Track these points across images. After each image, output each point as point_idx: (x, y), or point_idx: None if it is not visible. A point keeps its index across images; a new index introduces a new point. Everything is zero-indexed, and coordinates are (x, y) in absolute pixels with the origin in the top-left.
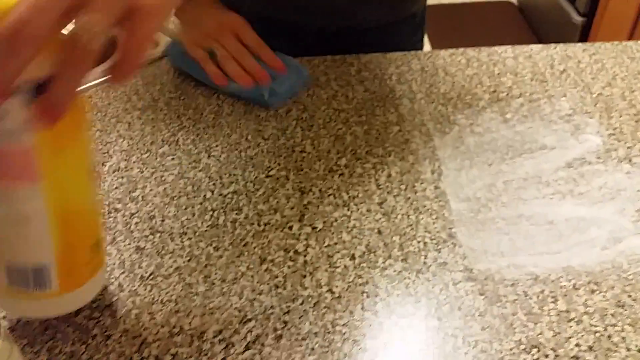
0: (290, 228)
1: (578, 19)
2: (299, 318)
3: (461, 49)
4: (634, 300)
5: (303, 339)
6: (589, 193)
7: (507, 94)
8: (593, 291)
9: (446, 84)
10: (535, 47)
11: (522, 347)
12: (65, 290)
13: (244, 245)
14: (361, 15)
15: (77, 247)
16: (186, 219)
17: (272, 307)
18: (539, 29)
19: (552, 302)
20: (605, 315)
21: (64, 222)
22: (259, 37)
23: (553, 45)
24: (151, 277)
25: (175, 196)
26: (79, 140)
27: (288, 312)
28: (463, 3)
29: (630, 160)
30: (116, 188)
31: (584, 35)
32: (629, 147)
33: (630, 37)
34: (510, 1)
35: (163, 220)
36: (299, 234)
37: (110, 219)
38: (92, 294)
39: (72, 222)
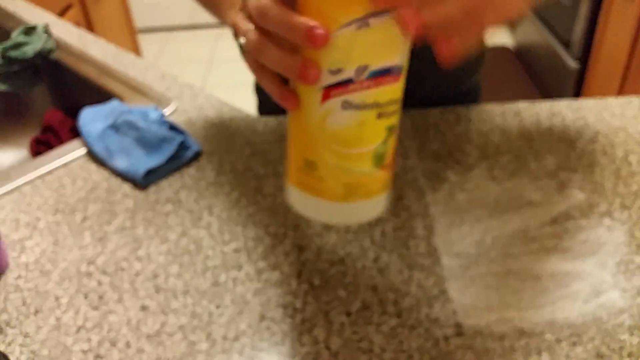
0: (289, 285)
1: (573, 64)
2: None
3: (450, 107)
4: (612, 350)
5: None
6: (573, 248)
7: (495, 151)
8: (574, 343)
9: (437, 141)
10: (522, 105)
11: None
12: (352, 198)
13: (245, 302)
14: (421, 94)
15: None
16: (189, 277)
17: None
18: (535, 73)
19: (537, 354)
20: None
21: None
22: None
23: (539, 102)
24: (156, 334)
25: (178, 254)
26: None
27: None
28: None
29: (611, 215)
30: (122, 247)
31: (579, 79)
32: (610, 202)
33: (623, 81)
34: (507, 46)
35: (167, 279)
36: (297, 291)
37: (117, 277)
38: (371, 214)
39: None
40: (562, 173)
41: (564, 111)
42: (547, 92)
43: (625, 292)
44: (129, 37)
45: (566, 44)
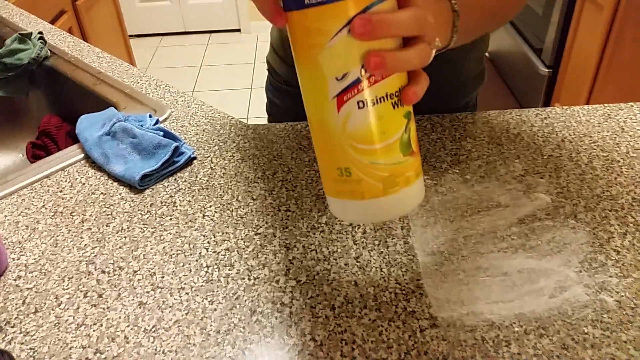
0: (278, 282)
1: (544, 70)
2: None
3: (427, 115)
4: (576, 343)
5: None
6: (539, 247)
7: (467, 157)
8: (541, 335)
9: None
10: (493, 113)
11: None
12: (390, 191)
13: (236, 298)
14: (415, 110)
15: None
16: (183, 275)
17: (262, 355)
18: (508, 78)
19: (506, 345)
20: (552, 357)
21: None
22: None
23: (509, 110)
24: (153, 329)
25: (173, 254)
26: None
27: None
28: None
29: (575, 217)
30: (120, 247)
31: (550, 84)
32: (574, 205)
33: (592, 86)
34: None
35: (163, 277)
36: (285, 287)
37: (115, 276)
38: (414, 201)
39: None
40: (529, 177)
41: (532, 119)
42: (520, 96)
43: (589, 288)
44: (122, 42)
45: (538, 51)
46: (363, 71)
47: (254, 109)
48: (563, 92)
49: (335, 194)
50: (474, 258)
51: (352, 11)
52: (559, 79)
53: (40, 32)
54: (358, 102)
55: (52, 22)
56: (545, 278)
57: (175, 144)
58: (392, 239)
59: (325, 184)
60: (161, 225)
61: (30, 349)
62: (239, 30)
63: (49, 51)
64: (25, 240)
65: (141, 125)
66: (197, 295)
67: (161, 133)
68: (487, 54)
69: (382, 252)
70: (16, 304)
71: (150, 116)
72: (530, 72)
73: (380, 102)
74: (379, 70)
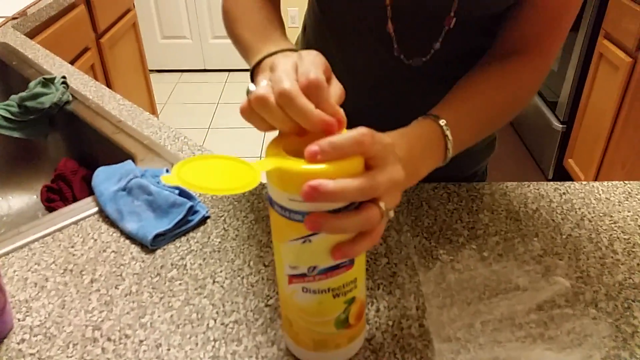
0: None
1: (558, 125)
2: None
3: (443, 183)
4: None
5: None
6: (558, 337)
7: (484, 232)
8: None
9: (429, 217)
10: (510, 185)
11: None
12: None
13: None
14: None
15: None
16: (190, 349)
17: None
18: (523, 132)
19: None
20: None
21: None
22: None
23: (527, 183)
24: None
25: (180, 324)
26: None
27: None
28: None
29: (596, 305)
30: (127, 313)
31: (564, 140)
32: (595, 291)
33: (607, 144)
34: None
35: (169, 349)
36: None
37: (121, 345)
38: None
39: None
40: (548, 258)
41: (550, 194)
42: (534, 150)
43: None
44: (142, 77)
45: (553, 105)
46: (311, 270)
47: None
48: (577, 148)
49: (284, 329)
50: (492, 347)
51: (307, 232)
52: (572, 135)
53: (63, 77)
54: (303, 288)
55: (76, 58)
56: None
57: (190, 204)
58: (407, 320)
59: (282, 316)
60: (170, 290)
61: None
62: None
63: (70, 96)
64: (32, 299)
65: (158, 182)
66: None
67: (177, 191)
68: None
69: (395, 334)
70: None
71: (167, 171)
72: (544, 127)
73: (322, 293)
74: (314, 230)
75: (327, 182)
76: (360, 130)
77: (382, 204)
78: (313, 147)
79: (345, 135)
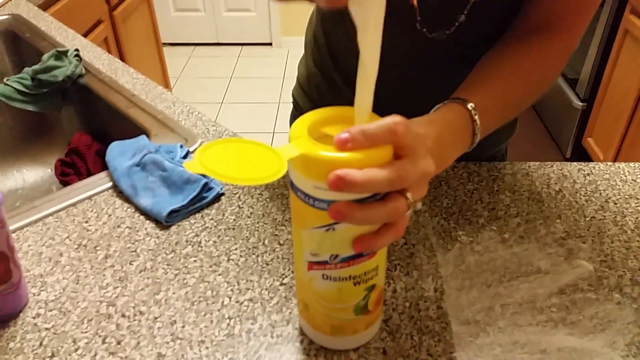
0: (302, 342)
1: (579, 103)
2: None
3: (463, 162)
4: None
5: None
6: (581, 322)
7: (505, 213)
8: None
9: (448, 197)
10: (533, 165)
11: None
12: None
13: (257, 357)
14: None
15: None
16: (205, 327)
17: None
18: (541, 110)
19: None
20: None
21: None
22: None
23: (549, 163)
24: None
25: (195, 301)
26: None
27: None
28: None
29: (621, 290)
30: (142, 289)
31: (583, 118)
32: (619, 276)
33: (629, 124)
34: None
35: (183, 327)
36: (309, 350)
37: (135, 322)
38: (358, 344)
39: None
40: (571, 241)
41: (574, 174)
42: (552, 128)
43: None
44: (155, 51)
45: (573, 83)
46: (333, 257)
47: (281, 124)
48: (597, 127)
49: (300, 313)
50: (512, 331)
51: (331, 220)
52: (592, 114)
53: (76, 50)
54: (323, 275)
55: (89, 31)
56: None
57: (204, 180)
58: (425, 301)
59: (297, 301)
60: (185, 267)
61: None
62: (270, 44)
63: (83, 69)
64: (47, 274)
65: (172, 158)
66: (217, 352)
67: None
68: None
69: (413, 316)
70: (33, 346)
71: (181, 146)
72: (564, 105)
73: (343, 280)
74: (338, 219)
75: (355, 172)
76: (395, 119)
77: (409, 195)
78: (344, 135)
79: (379, 123)
